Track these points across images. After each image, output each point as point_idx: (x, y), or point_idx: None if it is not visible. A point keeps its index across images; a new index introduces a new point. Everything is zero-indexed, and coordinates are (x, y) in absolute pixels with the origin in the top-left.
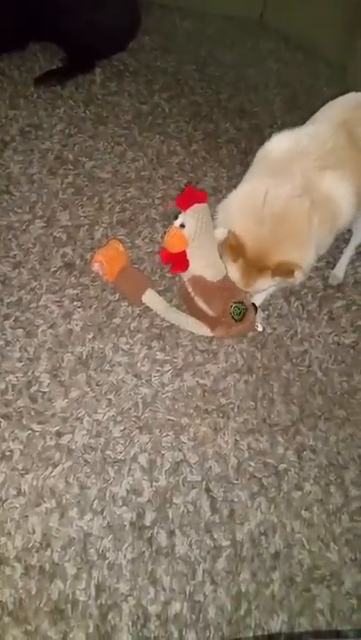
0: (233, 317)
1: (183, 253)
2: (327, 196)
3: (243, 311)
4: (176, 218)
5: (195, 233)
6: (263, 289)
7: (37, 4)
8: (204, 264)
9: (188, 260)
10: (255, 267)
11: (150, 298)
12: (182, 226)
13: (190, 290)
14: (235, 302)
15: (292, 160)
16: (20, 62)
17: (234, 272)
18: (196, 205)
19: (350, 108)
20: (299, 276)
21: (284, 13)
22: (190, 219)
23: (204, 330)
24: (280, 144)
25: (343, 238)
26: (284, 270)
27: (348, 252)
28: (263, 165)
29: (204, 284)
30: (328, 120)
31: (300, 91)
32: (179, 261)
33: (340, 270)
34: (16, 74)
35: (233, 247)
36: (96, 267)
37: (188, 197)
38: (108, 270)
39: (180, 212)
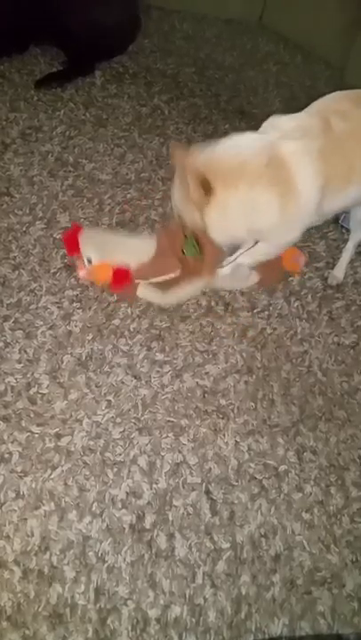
0: (186, 253)
1: (118, 275)
2: (285, 164)
3: (193, 242)
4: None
5: (103, 252)
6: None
7: (37, 6)
8: (128, 257)
9: (128, 275)
10: (184, 179)
11: (145, 291)
12: (89, 261)
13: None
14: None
15: (267, 130)
16: (20, 65)
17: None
18: (80, 237)
19: (329, 100)
20: (212, 214)
21: (283, 15)
22: (88, 248)
23: (197, 283)
24: (268, 122)
25: (343, 238)
26: (196, 179)
27: (348, 253)
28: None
29: (148, 265)
30: (309, 109)
31: (300, 92)
32: (120, 281)
33: (339, 271)
34: (16, 77)
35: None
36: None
37: (70, 242)
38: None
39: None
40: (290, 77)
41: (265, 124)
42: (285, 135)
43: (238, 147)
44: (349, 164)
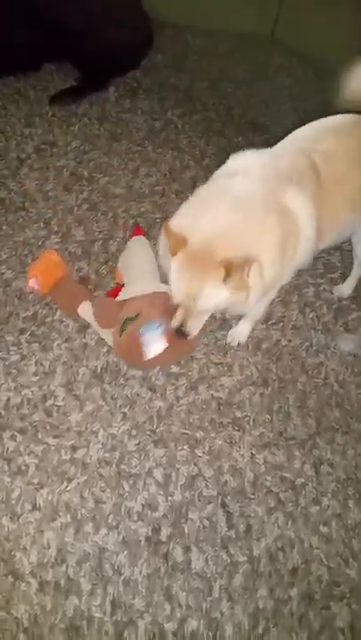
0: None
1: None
2: (288, 209)
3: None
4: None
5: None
6: (208, 303)
7: (52, 24)
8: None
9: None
10: (200, 263)
11: (85, 310)
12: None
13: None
14: (128, 318)
15: (252, 168)
16: (35, 82)
17: (173, 275)
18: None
19: (309, 134)
20: (254, 282)
21: (296, 29)
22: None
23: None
24: (237, 159)
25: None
26: (238, 267)
27: (356, 271)
28: (218, 176)
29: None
30: (288, 145)
31: (312, 105)
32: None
33: (348, 286)
34: (31, 93)
35: (173, 238)
36: (31, 282)
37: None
38: (43, 283)
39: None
40: (302, 91)
41: (235, 161)
42: (279, 175)
43: (241, 201)
44: (335, 207)
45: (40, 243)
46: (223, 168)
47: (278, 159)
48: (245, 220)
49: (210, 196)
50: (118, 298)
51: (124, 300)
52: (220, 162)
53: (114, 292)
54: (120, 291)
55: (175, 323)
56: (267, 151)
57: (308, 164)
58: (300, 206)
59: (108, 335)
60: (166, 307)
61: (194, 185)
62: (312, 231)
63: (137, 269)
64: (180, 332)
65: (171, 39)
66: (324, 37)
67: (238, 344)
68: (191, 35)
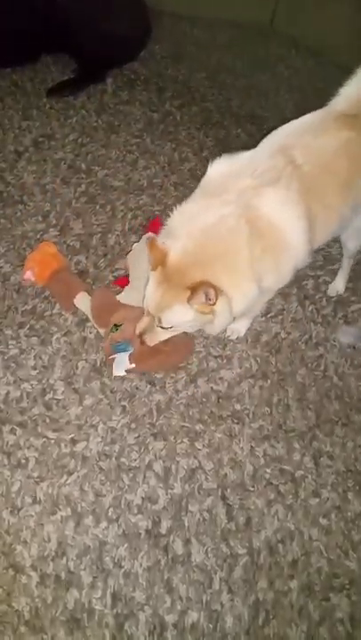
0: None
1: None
2: (269, 220)
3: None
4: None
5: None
6: (171, 320)
7: (49, 15)
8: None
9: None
10: (172, 283)
11: (81, 301)
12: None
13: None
14: (115, 324)
15: (227, 182)
16: (32, 74)
17: (149, 287)
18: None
19: (284, 135)
20: (221, 310)
21: (295, 19)
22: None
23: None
24: (217, 169)
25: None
26: (203, 291)
27: (345, 266)
28: (200, 190)
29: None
30: (266, 146)
31: (312, 95)
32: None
33: (340, 282)
34: (29, 85)
35: (155, 252)
36: (28, 274)
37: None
38: (39, 274)
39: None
40: (301, 81)
41: (214, 170)
42: (254, 184)
43: (212, 226)
44: (326, 199)
45: (38, 236)
46: (204, 179)
47: (255, 164)
48: (216, 247)
49: (190, 218)
50: (121, 297)
51: (122, 303)
52: (219, 153)
53: (120, 282)
54: (127, 280)
55: (138, 329)
56: (245, 155)
57: (287, 161)
58: (282, 210)
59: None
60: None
61: (193, 177)
62: (301, 233)
63: (142, 272)
64: (140, 337)
65: (169, 29)
66: (323, 28)
67: (237, 337)
68: (189, 25)
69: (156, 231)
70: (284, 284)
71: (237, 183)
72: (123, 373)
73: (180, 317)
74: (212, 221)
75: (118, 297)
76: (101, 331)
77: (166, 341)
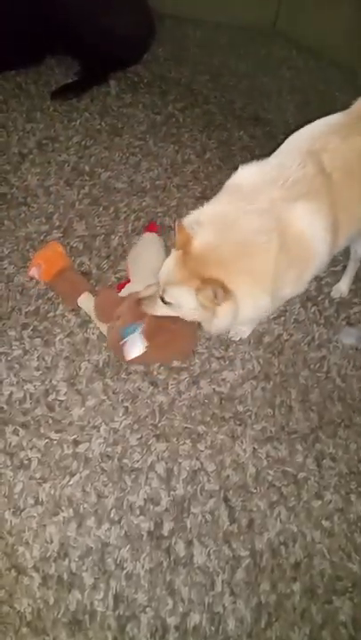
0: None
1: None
2: (300, 234)
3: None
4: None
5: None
6: (174, 297)
7: (52, 17)
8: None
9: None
10: (189, 266)
11: (85, 301)
12: None
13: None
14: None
15: (259, 190)
16: (36, 76)
17: (168, 260)
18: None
19: (311, 137)
20: (223, 313)
21: (297, 21)
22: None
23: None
24: (247, 174)
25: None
26: (212, 288)
27: (351, 268)
28: (228, 193)
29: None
30: (294, 150)
31: (314, 97)
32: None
33: (344, 284)
34: (32, 88)
35: (182, 234)
36: (33, 270)
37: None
38: (46, 270)
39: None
40: (304, 82)
41: (241, 176)
42: (287, 195)
43: (241, 226)
44: (352, 208)
45: (42, 238)
46: (232, 183)
47: (286, 171)
48: (243, 253)
49: (221, 217)
50: (121, 293)
51: (125, 297)
52: (222, 156)
53: (122, 285)
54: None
55: (142, 293)
56: (274, 162)
57: (317, 170)
58: (313, 225)
59: (105, 328)
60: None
61: (195, 179)
62: (327, 245)
63: (143, 267)
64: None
65: (171, 32)
66: (325, 29)
67: (240, 339)
68: (192, 27)
69: (154, 231)
70: (299, 293)
71: (270, 192)
72: (139, 352)
73: (183, 299)
74: (245, 227)
75: (121, 294)
76: (103, 328)
77: (173, 320)
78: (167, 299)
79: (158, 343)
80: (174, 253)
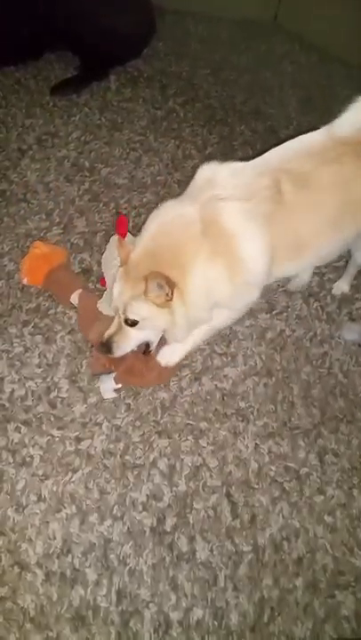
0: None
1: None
2: (223, 228)
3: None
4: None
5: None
6: (135, 312)
7: (52, 13)
8: None
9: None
10: (131, 276)
11: (78, 300)
12: None
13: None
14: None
15: (205, 188)
16: (35, 72)
17: (115, 284)
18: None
19: (286, 153)
20: (178, 305)
21: (299, 15)
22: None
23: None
24: (203, 173)
25: None
26: (154, 280)
27: (351, 270)
28: (185, 193)
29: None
30: (263, 162)
31: (316, 92)
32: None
33: (344, 283)
34: (32, 83)
35: (123, 250)
36: (25, 280)
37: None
38: (32, 280)
39: None
40: (306, 77)
41: (200, 175)
42: (224, 195)
43: (169, 224)
44: (299, 237)
45: (42, 234)
46: (191, 183)
47: (240, 177)
48: (167, 240)
49: (157, 217)
50: (99, 302)
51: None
52: (224, 151)
53: (103, 281)
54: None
55: (106, 334)
56: (236, 166)
57: (271, 184)
58: (238, 224)
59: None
60: None
61: None
62: (257, 250)
63: (110, 274)
64: (105, 346)
65: (172, 27)
66: (326, 24)
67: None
68: (193, 22)
69: (123, 230)
70: (240, 312)
71: (213, 190)
72: (113, 395)
73: (141, 309)
74: (170, 218)
75: (98, 303)
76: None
77: (145, 362)
78: (131, 316)
79: (134, 382)
80: (119, 273)
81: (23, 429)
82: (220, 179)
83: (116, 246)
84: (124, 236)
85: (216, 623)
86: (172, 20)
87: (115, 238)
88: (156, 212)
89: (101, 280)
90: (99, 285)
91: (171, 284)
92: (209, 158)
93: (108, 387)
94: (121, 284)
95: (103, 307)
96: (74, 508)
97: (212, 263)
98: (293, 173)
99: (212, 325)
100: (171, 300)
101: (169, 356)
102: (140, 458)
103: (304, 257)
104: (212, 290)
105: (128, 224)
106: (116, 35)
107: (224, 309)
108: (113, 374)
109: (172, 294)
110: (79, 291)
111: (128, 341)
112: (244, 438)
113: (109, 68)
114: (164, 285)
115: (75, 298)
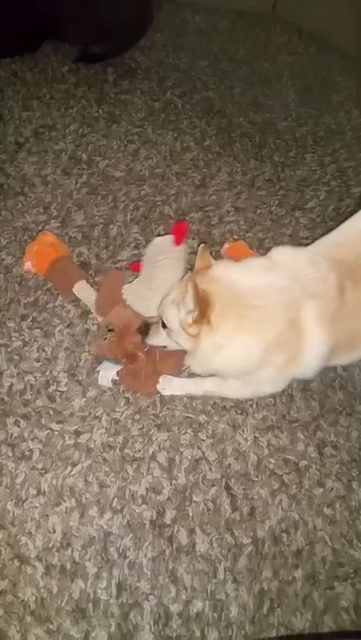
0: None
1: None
2: (300, 318)
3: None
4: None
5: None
6: (167, 320)
7: (47, 7)
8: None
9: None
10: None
11: (81, 290)
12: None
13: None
14: (109, 325)
15: (289, 267)
16: (32, 64)
17: (177, 283)
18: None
19: (348, 251)
20: (204, 343)
21: (297, 5)
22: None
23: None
24: (282, 252)
25: None
26: (191, 304)
27: None
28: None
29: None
30: (327, 252)
31: (315, 82)
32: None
33: None
34: (29, 75)
35: (202, 259)
36: (27, 265)
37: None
38: (37, 265)
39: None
40: (304, 68)
41: (275, 254)
42: (305, 288)
43: (261, 286)
44: (356, 333)
45: (40, 228)
46: (268, 256)
47: (312, 266)
48: (250, 302)
49: (251, 267)
50: (125, 287)
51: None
52: (222, 143)
53: (134, 266)
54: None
55: (152, 320)
56: (307, 252)
57: (336, 282)
58: (312, 324)
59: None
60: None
61: (195, 166)
62: (321, 351)
63: (152, 273)
64: (144, 328)
65: (169, 17)
66: (325, 14)
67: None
68: (190, 12)
69: (180, 237)
70: (255, 395)
71: (298, 279)
72: (108, 385)
73: (172, 321)
74: (273, 279)
75: (125, 287)
76: (99, 319)
77: (151, 372)
78: (163, 318)
79: (129, 385)
80: (188, 275)
81: (22, 423)
82: (300, 267)
83: (200, 254)
84: (179, 242)
85: (216, 615)
86: (169, 11)
87: (167, 238)
88: (255, 262)
89: (133, 264)
90: (97, 279)
91: (201, 319)
92: (207, 150)
93: (108, 375)
94: (177, 286)
95: (128, 294)
96: (73, 501)
97: (274, 354)
98: (352, 268)
99: (221, 390)
100: (193, 329)
101: (167, 386)
102: (139, 451)
103: (358, 349)
104: (257, 372)
105: (186, 231)
106: (113, 28)
107: (240, 382)
108: (118, 367)
109: (198, 323)
110: (82, 281)
111: (157, 337)
112: (243, 431)
113: (105, 59)
114: (191, 307)
115: (77, 288)
